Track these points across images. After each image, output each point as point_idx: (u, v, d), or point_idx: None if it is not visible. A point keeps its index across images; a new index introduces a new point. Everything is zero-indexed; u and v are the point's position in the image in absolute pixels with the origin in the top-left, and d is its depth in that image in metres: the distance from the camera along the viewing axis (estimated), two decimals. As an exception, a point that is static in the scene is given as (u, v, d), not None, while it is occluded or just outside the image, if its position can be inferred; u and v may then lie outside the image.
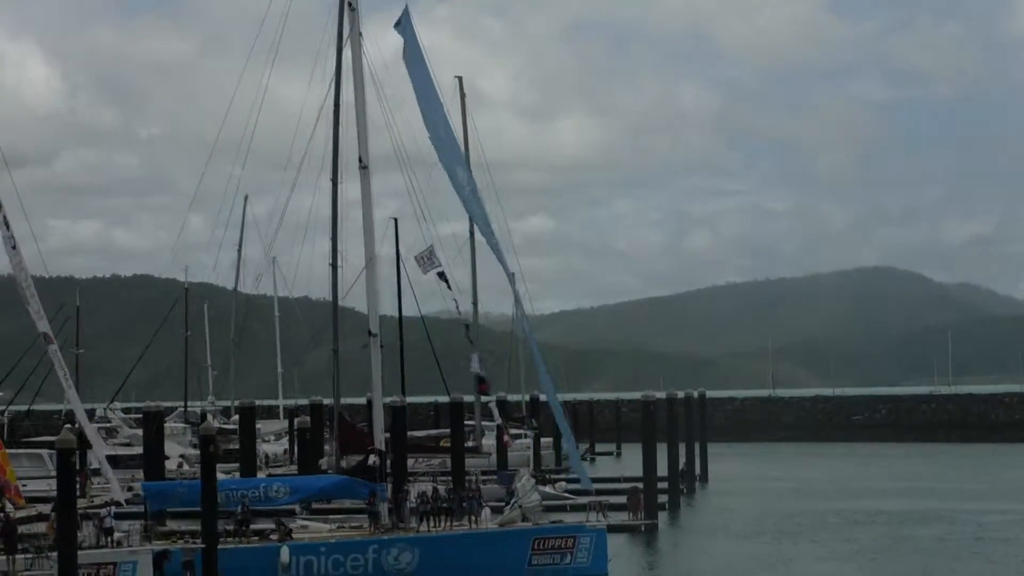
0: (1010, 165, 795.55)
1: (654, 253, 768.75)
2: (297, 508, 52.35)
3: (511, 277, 50.50)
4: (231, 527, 45.75)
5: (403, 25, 50.04)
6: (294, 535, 46.19)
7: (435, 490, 49.49)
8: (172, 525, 48.68)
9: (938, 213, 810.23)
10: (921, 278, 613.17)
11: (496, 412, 54.47)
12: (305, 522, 49.37)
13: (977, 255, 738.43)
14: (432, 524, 46.75)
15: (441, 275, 50.71)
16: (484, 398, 51.27)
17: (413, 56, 49.98)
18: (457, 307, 51.62)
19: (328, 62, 53.78)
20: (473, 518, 47.07)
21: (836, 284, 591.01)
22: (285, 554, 44.32)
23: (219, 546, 43.94)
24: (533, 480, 50.34)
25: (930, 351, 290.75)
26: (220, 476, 61.51)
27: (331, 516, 53.01)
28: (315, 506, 54.56)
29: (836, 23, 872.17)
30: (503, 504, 49.21)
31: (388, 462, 50.34)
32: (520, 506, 47.50)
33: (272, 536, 45.96)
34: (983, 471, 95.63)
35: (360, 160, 49.90)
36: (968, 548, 53.94)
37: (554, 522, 48.34)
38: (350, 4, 49.78)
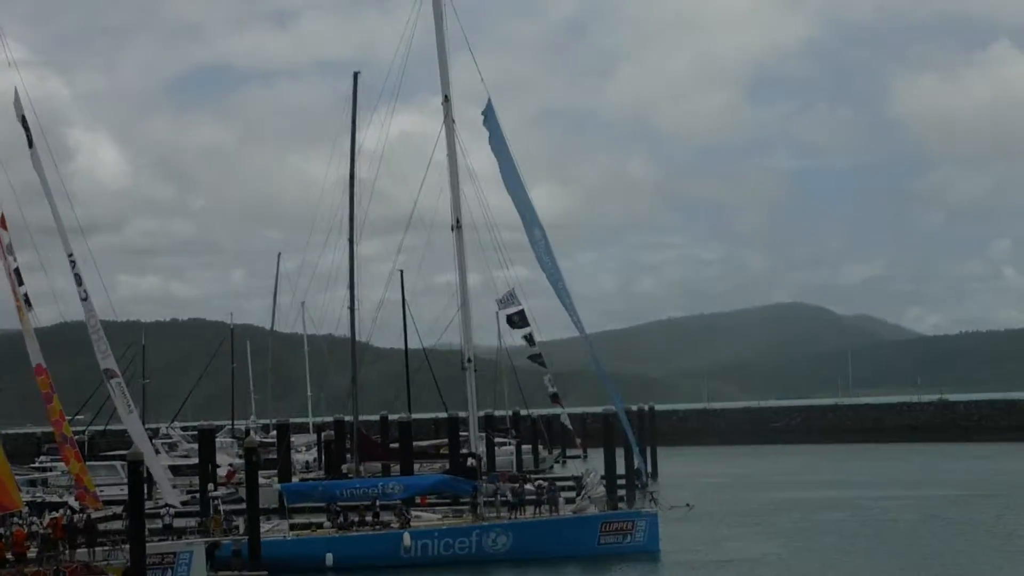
0: (892, 220, 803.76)
1: (609, 294, 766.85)
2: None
3: (577, 321, 48.94)
4: (356, 519, 46.03)
5: (488, 117, 49.11)
6: (411, 524, 46.17)
7: (522, 487, 49.32)
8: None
9: (837, 260, 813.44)
10: (825, 311, 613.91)
11: (568, 423, 53.80)
12: (418, 513, 49.01)
13: (870, 292, 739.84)
14: (520, 512, 46.93)
15: (521, 313, 49.51)
16: (559, 410, 50.30)
17: (498, 142, 49.05)
18: (531, 339, 49.76)
19: (340, 144, 54.46)
20: (553, 508, 47.49)
21: (757, 317, 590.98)
22: (407, 538, 44.50)
23: (352, 533, 44.80)
24: (599, 476, 49.90)
25: (834, 370, 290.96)
26: (341, 479, 60.84)
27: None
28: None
29: (752, 108, 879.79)
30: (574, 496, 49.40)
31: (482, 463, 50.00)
32: (589, 497, 47.74)
33: (394, 524, 45.97)
34: (877, 466, 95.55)
35: (457, 221, 49.27)
36: (866, 527, 53.81)
37: (616, 510, 48.38)
38: (446, 97, 49.30)
